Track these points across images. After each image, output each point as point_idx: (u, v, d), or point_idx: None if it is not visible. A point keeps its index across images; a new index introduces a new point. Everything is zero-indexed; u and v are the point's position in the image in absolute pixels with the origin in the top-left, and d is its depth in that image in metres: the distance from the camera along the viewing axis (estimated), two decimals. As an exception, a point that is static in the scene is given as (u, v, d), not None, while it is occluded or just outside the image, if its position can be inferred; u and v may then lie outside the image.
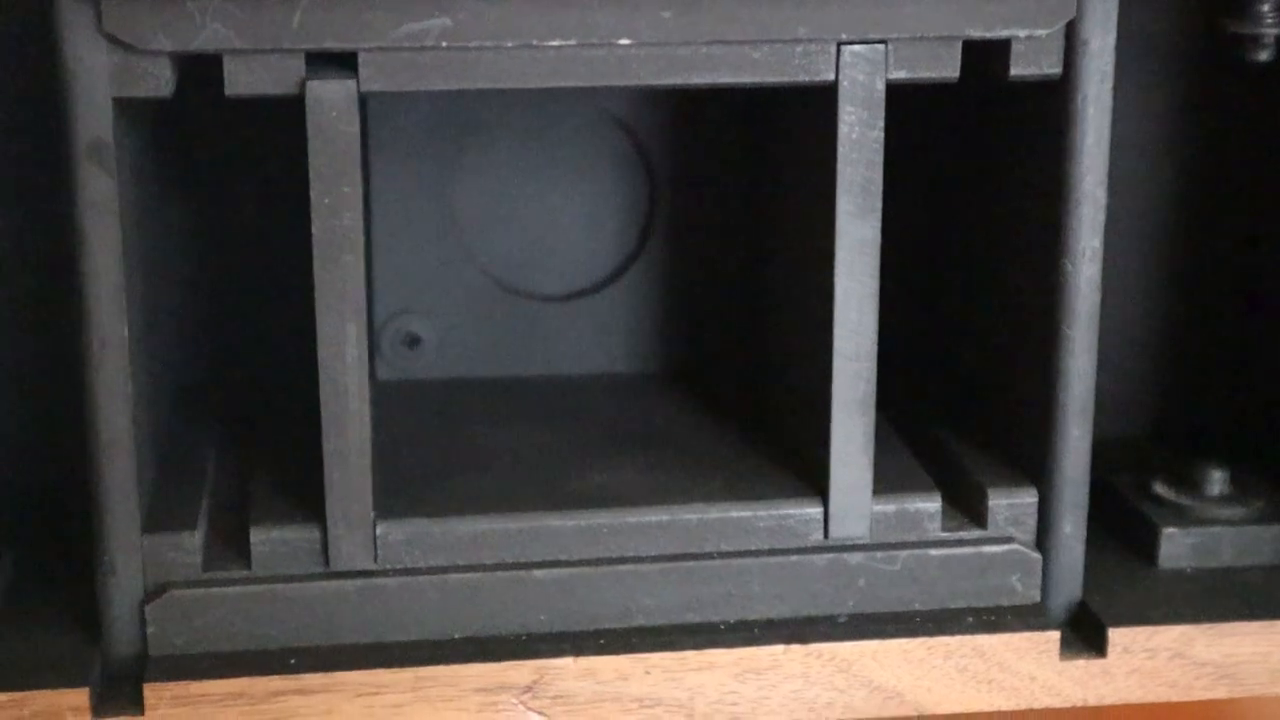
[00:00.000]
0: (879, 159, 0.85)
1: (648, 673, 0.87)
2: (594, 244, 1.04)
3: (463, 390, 1.03)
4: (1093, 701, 0.89)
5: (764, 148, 1.01)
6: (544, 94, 0.99)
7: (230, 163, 1.01)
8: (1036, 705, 0.89)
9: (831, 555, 0.89)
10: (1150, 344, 1.06)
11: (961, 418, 0.99)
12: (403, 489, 0.90)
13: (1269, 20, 0.89)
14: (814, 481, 0.90)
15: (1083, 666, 0.89)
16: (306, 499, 0.88)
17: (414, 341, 1.04)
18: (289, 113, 0.83)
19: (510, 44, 0.80)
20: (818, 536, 0.89)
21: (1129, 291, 1.05)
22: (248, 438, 0.98)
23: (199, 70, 0.82)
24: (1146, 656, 0.89)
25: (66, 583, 0.91)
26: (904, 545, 0.90)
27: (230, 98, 0.81)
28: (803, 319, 0.92)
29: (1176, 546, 0.94)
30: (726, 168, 1.04)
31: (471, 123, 1.01)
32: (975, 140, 0.98)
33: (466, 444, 0.96)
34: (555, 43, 0.81)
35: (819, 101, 0.86)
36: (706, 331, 1.06)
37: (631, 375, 1.05)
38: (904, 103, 0.87)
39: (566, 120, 1.02)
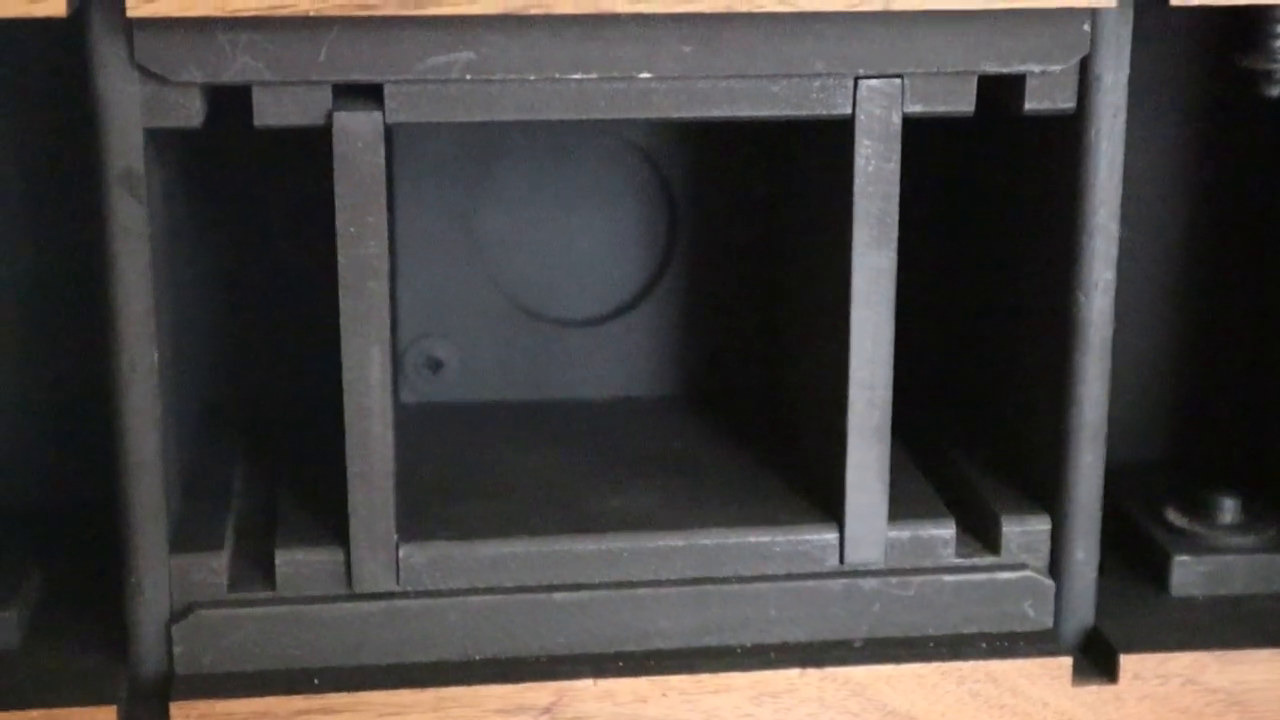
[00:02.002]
0: (895, 191, 0.86)
1: (665, 695, 0.88)
2: (615, 270, 1.06)
3: (484, 413, 1.05)
4: (1104, 727, 0.90)
5: (782, 178, 1.03)
6: (566, 123, 1.00)
7: (256, 188, 1.02)
8: (1048, 730, 0.90)
9: (847, 580, 0.90)
10: (1163, 372, 1.07)
11: (975, 445, 1.00)
12: (424, 512, 0.91)
13: (1282, 56, 0.90)
14: (830, 507, 0.91)
15: (1095, 692, 0.90)
16: (330, 521, 0.89)
17: (436, 365, 1.05)
18: (314, 140, 0.85)
19: (533, 77, 0.82)
20: (833, 562, 0.90)
21: (1143, 320, 1.06)
22: (272, 460, 0.99)
23: (227, 100, 0.83)
24: (1158, 683, 0.90)
25: (94, 602, 0.92)
26: (918, 571, 0.91)
27: (259, 128, 0.82)
28: (819, 347, 0.93)
29: (1188, 574, 0.95)
30: (745, 196, 1.05)
31: (494, 150, 1.03)
32: (990, 172, 0.99)
33: (487, 467, 0.98)
34: (577, 76, 0.82)
35: (836, 134, 0.87)
36: (725, 357, 1.07)
37: (651, 400, 1.07)
38: (920, 135, 0.88)
39: (588, 148, 1.04)
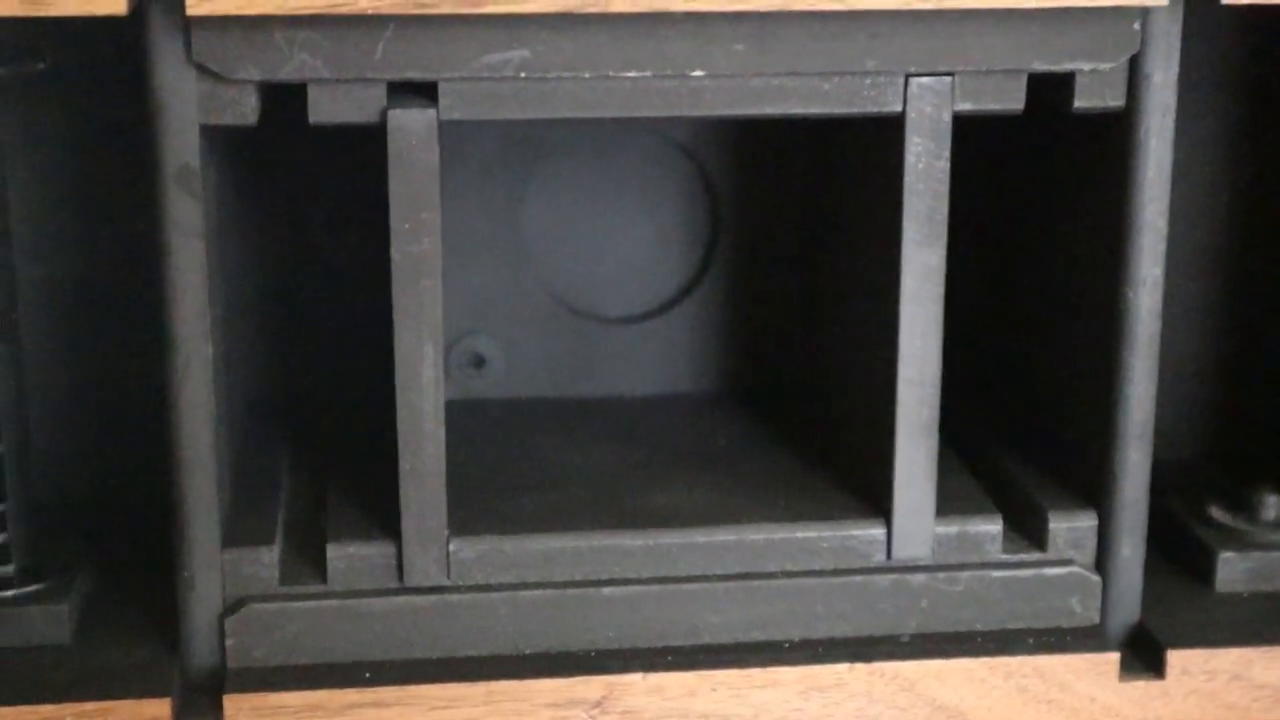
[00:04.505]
0: (945, 188, 0.87)
1: (714, 690, 0.88)
2: (658, 267, 1.06)
3: (528, 410, 1.05)
4: (1151, 722, 0.91)
5: (827, 175, 1.03)
6: (610, 122, 1.01)
7: (303, 184, 1.03)
8: (1095, 725, 0.91)
9: (894, 576, 0.91)
10: (1206, 368, 1.08)
11: (1021, 441, 1.00)
12: (473, 507, 0.92)
13: (1329, 54, 0.91)
14: (877, 503, 0.92)
15: (1142, 688, 0.90)
16: (380, 515, 0.90)
17: (480, 362, 1.06)
18: (359, 138, 0.85)
19: (587, 75, 0.82)
20: (881, 557, 0.91)
21: (1185, 316, 1.06)
22: (317, 454, 1.00)
23: (280, 98, 0.84)
24: (1205, 679, 0.90)
25: (143, 596, 0.93)
26: (966, 567, 0.91)
27: (314, 125, 0.83)
28: (867, 344, 0.93)
29: (1233, 570, 0.96)
30: (788, 193, 1.06)
31: (539, 148, 1.03)
32: (1037, 169, 1.00)
33: (533, 463, 0.98)
34: (631, 74, 0.83)
35: (886, 131, 0.88)
36: (768, 354, 1.08)
37: (695, 396, 1.07)
38: (968, 132, 0.88)
39: (632, 146, 1.04)
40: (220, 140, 0.89)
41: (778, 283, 1.06)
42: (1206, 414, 1.08)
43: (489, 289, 1.05)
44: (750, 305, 1.07)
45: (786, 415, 1.04)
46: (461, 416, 1.03)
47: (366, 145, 0.87)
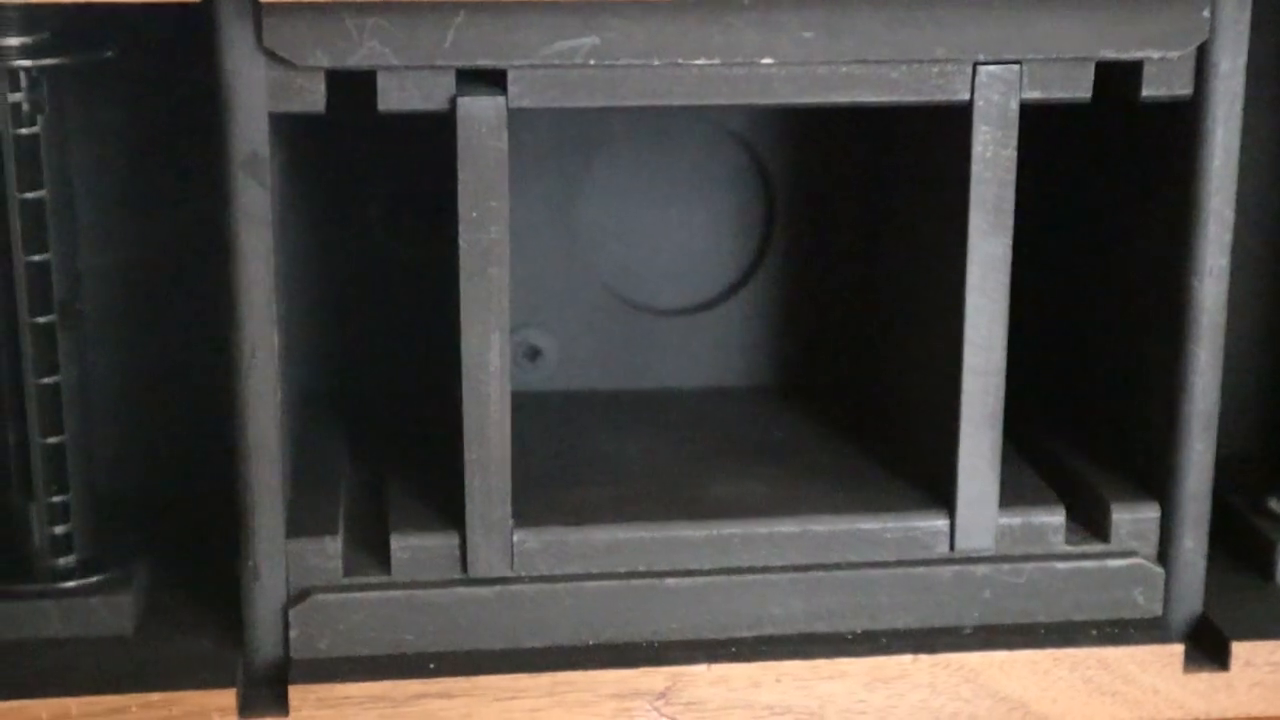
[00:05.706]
0: (1011, 177, 0.86)
1: (779, 680, 0.88)
2: (713, 258, 1.06)
3: (583, 402, 1.05)
4: (1215, 715, 0.90)
5: (884, 164, 1.03)
6: (666, 112, 1.01)
7: (361, 172, 1.03)
8: (1160, 718, 0.90)
9: (958, 567, 0.90)
10: (1262, 361, 1.07)
11: (1083, 433, 1.00)
12: (536, 498, 0.91)
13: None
14: (940, 494, 0.91)
15: (1206, 680, 0.90)
16: (443, 506, 0.90)
17: (535, 354, 1.06)
18: (423, 126, 0.85)
19: (656, 62, 0.82)
20: (944, 548, 0.91)
21: (1241, 308, 1.05)
22: (378, 445, 0.99)
23: (346, 85, 0.83)
24: (1270, 670, 0.90)
25: (202, 588, 0.93)
26: (1029, 558, 0.91)
27: (382, 113, 0.82)
28: (930, 334, 0.93)
29: (1294, 563, 0.96)
30: (845, 182, 1.05)
31: (594, 139, 1.03)
32: (1099, 158, 0.99)
33: (592, 455, 0.98)
34: (700, 61, 0.82)
35: (951, 120, 0.87)
36: (824, 345, 1.07)
37: (749, 388, 1.07)
38: (1032, 121, 0.88)
39: (687, 136, 1.04)
40: (284, 128, 0.88)
41: (834, 273, 1.06)
42: (1264, 407, 1.07)
43: (544, 281, 1.05)
44: (806, 296, 1.06)
45: (844, 407, 1.04)
46: (516, 408, 1.03)
47: (428, 134, 0.87)
